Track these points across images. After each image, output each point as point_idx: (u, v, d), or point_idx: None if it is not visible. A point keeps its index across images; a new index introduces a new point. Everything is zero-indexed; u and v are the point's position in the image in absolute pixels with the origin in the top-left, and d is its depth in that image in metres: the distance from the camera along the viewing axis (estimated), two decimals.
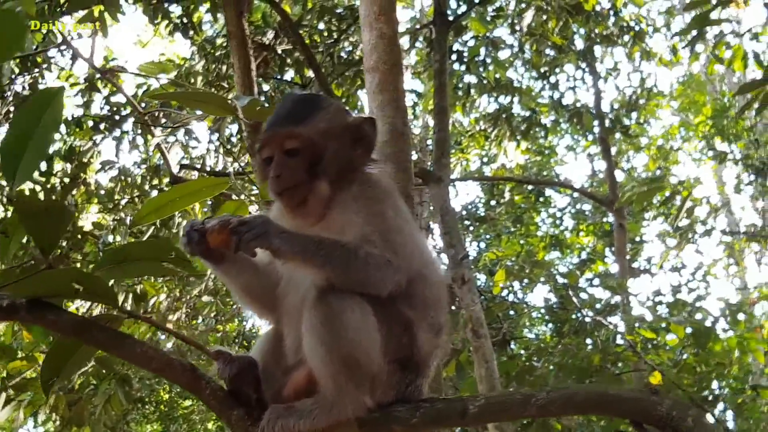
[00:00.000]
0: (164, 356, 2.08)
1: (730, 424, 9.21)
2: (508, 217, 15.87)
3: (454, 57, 12.04)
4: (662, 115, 20.74)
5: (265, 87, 10.64)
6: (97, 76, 9.45)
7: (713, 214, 16.25)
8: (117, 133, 9.94)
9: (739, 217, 19.87)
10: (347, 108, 2.58)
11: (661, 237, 16.74)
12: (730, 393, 9.03)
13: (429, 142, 14.60)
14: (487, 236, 15.93)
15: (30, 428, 10.52)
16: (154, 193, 9.61)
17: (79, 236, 8.82)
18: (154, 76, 9.06)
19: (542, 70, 13.53)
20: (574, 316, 11.10)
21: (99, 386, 7.89)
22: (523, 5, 11.87)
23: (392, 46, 5.11)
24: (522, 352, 11.47)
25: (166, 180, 9.54)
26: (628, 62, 15.49)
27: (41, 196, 8.32)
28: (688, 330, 8.85)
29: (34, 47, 8.82)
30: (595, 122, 14.56)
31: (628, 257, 14.48)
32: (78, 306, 7.55)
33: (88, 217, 10.05)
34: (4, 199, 8.47)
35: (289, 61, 10.33)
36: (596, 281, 14.04)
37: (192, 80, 10.16)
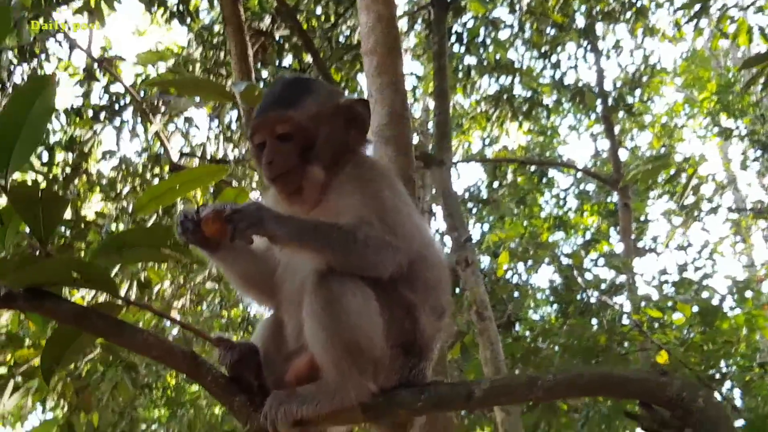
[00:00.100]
0: (165, 344, 2.06)
1: (738, 402, 9.19)
2: (511, 198, 15.80)
3: (453, 38, 11.96)
4: (666, 93, 20.60)
5: (264, 73, 10.57)
6: (95, 65, 9.41)
7: (719, 192, 16.17)
8: (117, 122, 9.92)
9: (746, 194, 19.80)
10: (341, 90, 2.53)
11: (666, 215, 16.67)
12: (737, 371, 9.01)
13: (430, 125, 14.54)
14: (491, 218, 15.87)
15: (38, 414, 10.58)
16: (156, 181, 9.60)
17: (82, 225, 8.82)
18: (152, 63, 9.02)
19: (543, 50, 13.43)
20: (579, 297, 11.10)
21: (106, 373, 7.92)
22: None
23: (390, 28, 5.04)
24: (527, 333, 11.46)
25: (167, 168, 9.53)
26: (630, 39, 15.31)
27: (43, 186, 8.29)
28: (695, 309, 8.83)
29: (32, 38, 8.78)
30: (598, 101, 14.47)
31: (633, 237, 14.43)
32: (83, 295, 7.57)
33: (91, 206, 10.06)
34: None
35: (286, 46, 10.26)
36: (601, 261, 13.98)
37: (190, 68, 10.12)
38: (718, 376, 8.62)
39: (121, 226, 9.28)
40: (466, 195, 15.70)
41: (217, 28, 10.30)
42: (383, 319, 2.03)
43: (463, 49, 12.19)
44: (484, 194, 15.76)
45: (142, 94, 9.25)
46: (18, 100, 2.05)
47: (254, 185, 9.74)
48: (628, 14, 12.72)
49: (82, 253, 8.20)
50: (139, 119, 9.71)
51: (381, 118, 4.63)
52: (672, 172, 13.74)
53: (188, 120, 10.13)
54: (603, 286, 11.11)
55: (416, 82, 14.77)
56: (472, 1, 11.56)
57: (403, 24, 11.96)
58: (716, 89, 16.38)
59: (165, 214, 8.80)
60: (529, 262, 12.58)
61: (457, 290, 9.78)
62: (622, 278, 11.87)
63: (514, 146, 16.94)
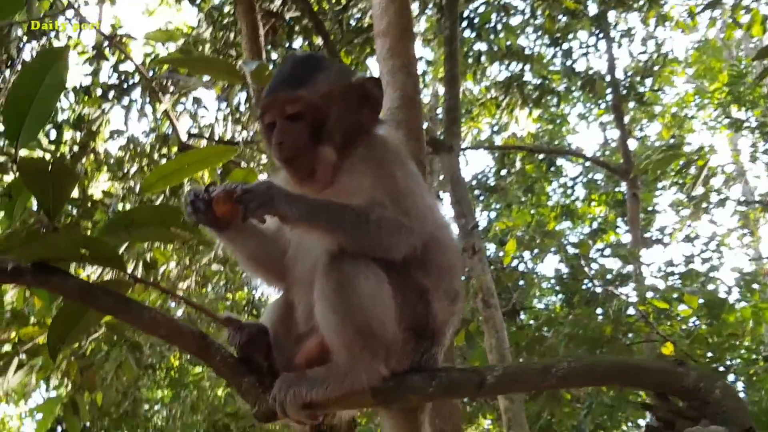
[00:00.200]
0: (173, 322, 2.03)
1: (741, 396, 9.16)
2: (518, 186, 15.75)
3: (464, 24, 11.86)
4: (676, 83, 20.44)
5: (274, 55, 10.51)
6: (105, 43, 9.36)
7: (728, 183, 16.07)
8: (125, 101, 9.88)
9: (755, 186, 19.65)
10: (352, 68, 2.48)
11: (674, 207, 16.59)
12: (741, 364, 8.99)
13: (439, 110, 14.47)
14: (498, 206, 15.83)
15: (42, 392, 10.64)
16: (163, 162, 9.57)
17: (89, 204, 8.80)
18: (161, 42, 8.96)
19: (554, 37, 13.32)
20: (584, 287, 11.06)
21: (110, 352, 7.93)
22: None
23: (403, 9, 4.99)
24: (531, 322, 11.44)
25: (175, 149, 9.50)
26: (643, 28, 15.17)
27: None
28: (701, 301, 8.79)
29: (41, 15, 8.74)
30: (609, 90, 14.37)
31: (640, 227, 14.36)
32: (89, 273, 7.57)
33: (98, 186, 10.04)
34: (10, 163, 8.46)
35: (297, 28, 10.19)
36: (607, 251, 13.94)
37: (199, 48, 10.06)
38: (722, 369, 8.59)
39: (128, 206, 9.27)
40: (474, 182, 15.65)
41: (227, 8, 10.24)
42: (395, 303, 2.00)
43: (474, 34, 12.10)
44: (492, 182, 15.71)
45: (151, 73, 9.20)
46: (30, 73, 2.02)
47: (262, 168, 9.71)
48: (641, 2, 12.60)
49: (89, 233, 8.19)
50: (147, 99, 9.67)
51: (392, 102, 4.59)
52: (682, 162, 13.65)
53: (197, 101, 10.09)
54: (609, 276, 11.05)
55: (426, 67, 14.68)
56: None
57: (414, 8, 11.87)
58: (728, 80, 16.23)
59: (172, 195, 8.78)
60: (536, 251, 12.54)
61: (463, 278, 9.75)
62: (629, 269, 11.82)
63: (522, 134, 16.86)
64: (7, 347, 6.71)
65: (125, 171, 9.84)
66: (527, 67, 13.10)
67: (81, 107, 9.98)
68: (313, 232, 2.04)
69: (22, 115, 1.94)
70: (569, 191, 17.12)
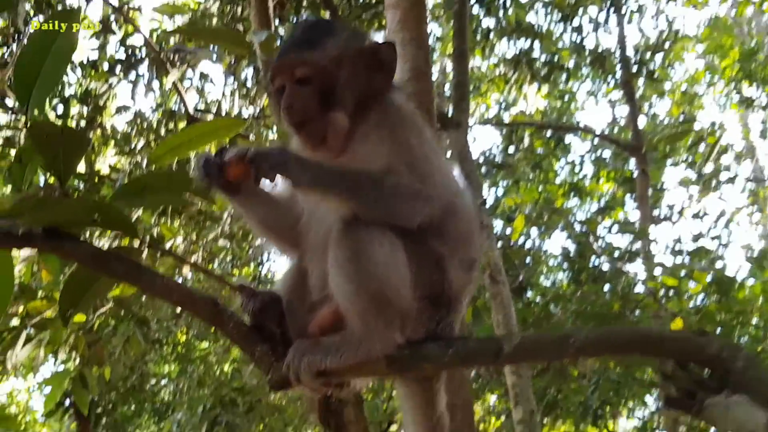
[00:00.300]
0: (185, 288, 2.01)
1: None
2: (526, 163, 15.67)
3: None
4: (687, 60, 20.26)
5: (281, 30, 10.42)
6: (112, 17, 9.30)
7: (738, 161, 15.96)
8: (132, 76, 9.82)
9: (764, 164, 19.52)
10: (366, 33, 2.43)
11: (683, 184, 16.49)
12: (751, 341, 8.97)
13: (447, 86, 14.36)
14: (505, 183, 15.76)
15: (50, 366, 10.69)
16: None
17: (96, 179, 8.79)
18: (168, 15, 8.88)
19: (564, 13, 13.17)
20: (592, 264, 11.04)
21: (118, 327, 7.95)
22: None
23: None
24: (538, 299, 11.44)
25: (182, 125, 9.47)
26: (654, 3, 15.00)
27: None
28: (710, 278, 8.76)
29: None
30: (618, 66, 14.23)
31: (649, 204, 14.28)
32: (101, 244, 7.57)
33: (105, 160, 10.02)
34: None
35: (305, 2, 10.08)
36: (615, 229, 13.88)
37: (207, 22, 9.97)
38: None
39: None
40: (482, 159, 15.57)
41: None
42: (411, 270, 1.96)
43: (483, 10, 11.98)
44: (500, 158, 15.62)
45: (158, 47, 9.14)
46: (41, 35, 1.98)
47: (269, 144, 9.66)
48: None
49: None
50: (155, 74, 9.62)
51: (403, 74, 4.53)
52: (692, 140, 13.56)
53: (204, 76, 10.03)
54: (617, 253, 11.01)
55: (435, 43, 14.55)
56: None
57: None
58: (739, 57, 16.06)
59: (180, 168, 8.75)
60: (543, 228, 12.50)
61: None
62: (637, 246, 11.77)
63: (531, 110, 16.75)
64: (15, 321, 6.73)
65: (132, 146, 9.82)
66: (536, 43, 12.98)
67: (88, 82, 9.94)
68: (327, 198, 2.01)
69: (33, 76, 1.91)
70: (577, 168, 17.03)
